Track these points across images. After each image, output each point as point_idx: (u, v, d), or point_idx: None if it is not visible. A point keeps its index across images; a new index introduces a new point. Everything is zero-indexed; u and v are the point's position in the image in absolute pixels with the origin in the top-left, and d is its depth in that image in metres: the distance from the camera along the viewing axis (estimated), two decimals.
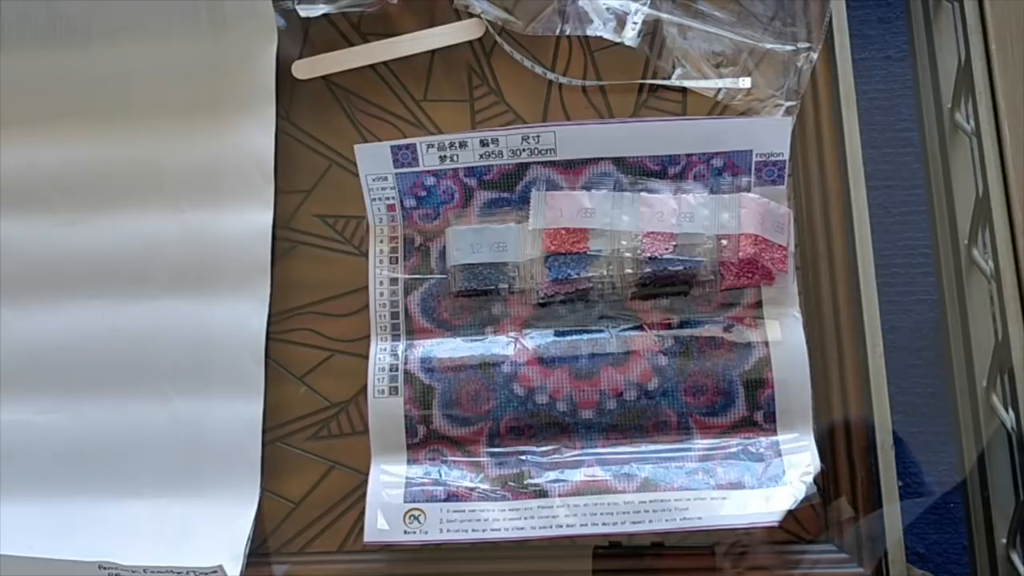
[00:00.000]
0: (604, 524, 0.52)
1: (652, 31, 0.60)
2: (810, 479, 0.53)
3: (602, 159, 0.57)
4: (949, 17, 0.61)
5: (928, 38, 0.63)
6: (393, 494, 0.54)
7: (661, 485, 0.53)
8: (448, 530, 0.53)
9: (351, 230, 0.60)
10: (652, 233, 0.55)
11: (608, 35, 0.60)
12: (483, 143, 0.57)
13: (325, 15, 0.61)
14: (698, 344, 0.55)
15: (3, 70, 0.62)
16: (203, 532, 0.55)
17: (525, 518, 0.53)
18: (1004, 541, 0.54)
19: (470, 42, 0.61)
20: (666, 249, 0.55)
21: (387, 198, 0.58)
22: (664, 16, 0.60)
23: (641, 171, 0.57)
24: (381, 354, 0.56)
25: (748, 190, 0.56)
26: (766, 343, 0.55)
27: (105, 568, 0.52)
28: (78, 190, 0.60)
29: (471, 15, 0.61)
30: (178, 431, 0.57)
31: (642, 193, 0.56)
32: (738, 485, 0.53)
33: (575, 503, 0.53)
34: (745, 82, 0.59)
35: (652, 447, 0.55)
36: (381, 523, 0.53)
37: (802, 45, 0.60)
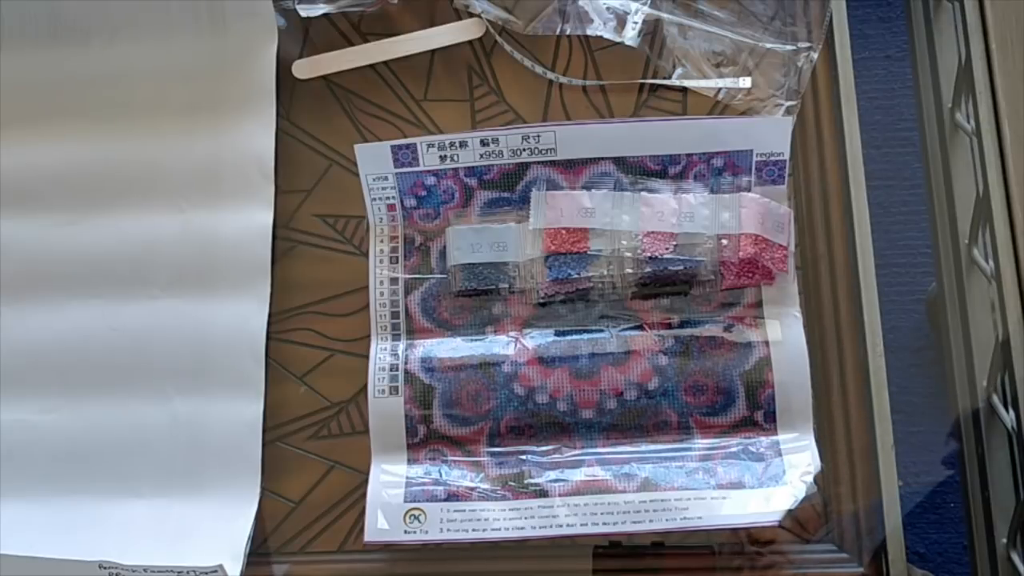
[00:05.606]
0: (604, 524, 0.52)
1: (652, 31, 0.60)
2: (810, 479, 0.53)
3: (602, 159, 0.57)
4: (949, 17, 0.61)
5: (928, 38, 0.63)
6: (393, 494, 0.54)
7: (661, 485, 0.53)
8: (448, 530, 0.53)
9: (351, 230, 0.60)
10: (652, 233, 0.55)
11: (608, 35, 0.60)
12: (483, 143, 0.57)
13: (325, 15, 0.61)
14: (698, 344, 0.55)
15: (3, 70, 0.62)
16: (203, 532, 0.55)
17: (525, 518, 0.53)
18: (1004, 541, 0.54)
19: (470, 42, 0.61)
20: (666, 249, 0.55)
21: (387, 198, 0.58)
22: (664, 16, 0.60)
23: (641, 171, 0.57)
24: (381, 354, 0.56)
25: (748, 190, 0.56)
26: (766, 343, 0.55)
27: (105, 568, 0.52)
28: (78, 190, 0.60)
29: (471, 15, 0.61)
30: (178, 431, 0.57)
31: (642, 193, 0.56)
32: (738, 485, 0.53)
33: (575, 503, 0.53)
34: (745, 82, 0.59)
35: (652, 447, 0.55)
36: (381, 523, 0.53)
37: (802, 45, 0.60)
